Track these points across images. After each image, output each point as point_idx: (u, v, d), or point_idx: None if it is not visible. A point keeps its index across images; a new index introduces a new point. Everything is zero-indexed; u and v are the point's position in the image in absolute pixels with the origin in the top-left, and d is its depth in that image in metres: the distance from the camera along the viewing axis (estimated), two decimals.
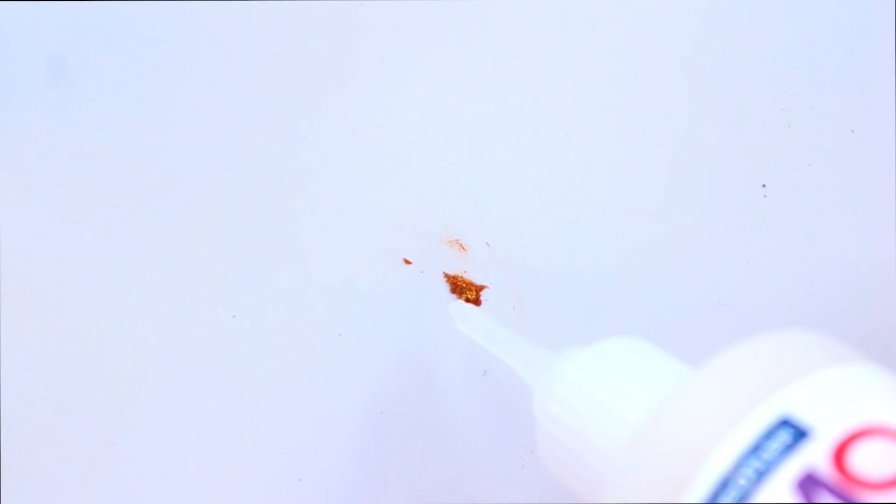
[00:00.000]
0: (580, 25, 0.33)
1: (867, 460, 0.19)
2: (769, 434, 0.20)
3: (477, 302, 0.34)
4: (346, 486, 0.34)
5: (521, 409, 0.35)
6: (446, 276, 0.34)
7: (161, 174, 0.32)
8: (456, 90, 0.33)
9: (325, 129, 0.32)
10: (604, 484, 0.23)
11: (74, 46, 0.31)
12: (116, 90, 0.31)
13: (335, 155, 0.32)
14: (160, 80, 0.31)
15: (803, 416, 0.20)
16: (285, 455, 0.34)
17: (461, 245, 0.34)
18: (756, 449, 0.20)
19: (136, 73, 0.31)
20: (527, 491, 0.35)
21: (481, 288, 0.34)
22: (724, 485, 0.20)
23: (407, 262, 0.33)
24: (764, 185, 0.34)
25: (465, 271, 0.34)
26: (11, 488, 0.32)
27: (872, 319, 0.35)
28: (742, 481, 0.20)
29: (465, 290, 0.34)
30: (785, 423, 0.20)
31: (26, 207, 0.31)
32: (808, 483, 0.19)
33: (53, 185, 0.31)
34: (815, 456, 0.20)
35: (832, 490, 0.19)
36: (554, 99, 0.33)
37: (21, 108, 0.31)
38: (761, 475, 0.20)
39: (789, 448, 0.20)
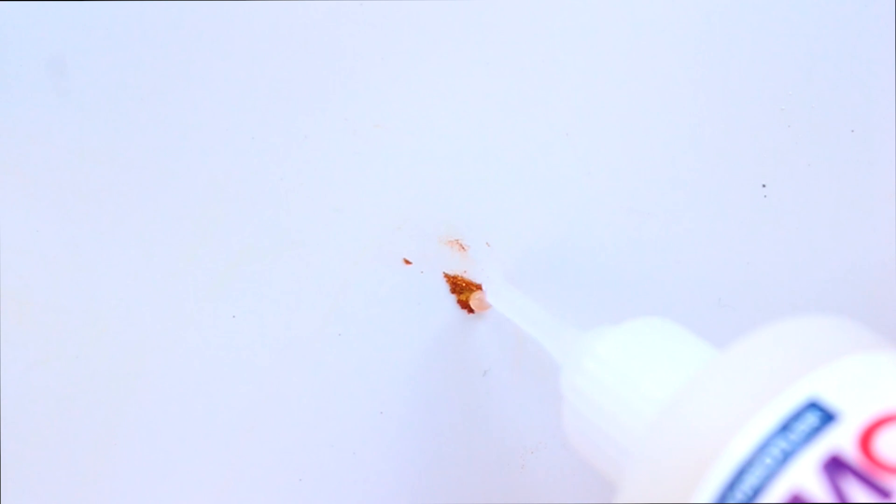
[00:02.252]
0: (580, 26, 0.33)
1: (893, 445, 0.20)
2: (797, 416, 0.20)
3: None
4: (346, 486, 0.34)
5: (522, 409, 0.35)
6: (446, 276, 0.34)
7: (161, 174, 0.32)
8: (456, 90, 0.33)
9: (325, 129, 0.32)
10: (628, 460, 0.23)
11: (74, 46, 0.31)
12: (116, 90, 0.31)
13: (335, 155, 0.32)
14: (160, 80, 0.31)
15: (831, 400, 0.20)
16: (285, 455, 0.34)
17: (461, 245, 0.34)
18: (783, 430, 0.20)
19: (136, 73, 0.31)
20: (527, 491, 0.35)
21: (481, 288, 0.34)
22: (750, 463, 0.20)
23: (407, 262, 0.33)
24: (764, 185, 0.34)
25: (465, 271, 0.34)
26: (11, 488, 0.32)
27: (872, 319, 0.35)
28: (768, 461, 0.20)
29: (465, 290, 0.34)
30: (813, 406, 0.20)
31: (26, 207, 0.31)
32: (834, 465, 0.20)
33: (53, 185, 0.31)
34: (841, 439, 0.20)
35: (857, 473, 0.19)
36: (554, 99, 0.33)
37: (21, 109, 0.31)
38: (788, 455, 0.20)
39: (816, 430, 0.20)
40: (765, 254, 0.35)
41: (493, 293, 0.32)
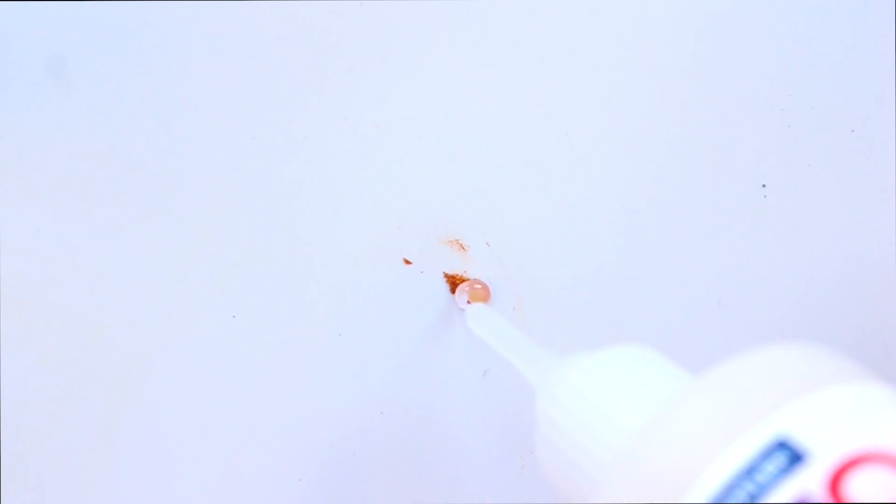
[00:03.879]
0: (580, 26, 0.33)
1: (864, 487, 0.19)
2: (765, 455, 0.20)
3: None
4: (346, 486, 0.34)
5: (522, 409, 0.35)
6: (446, 276, 0.34)
7: (161, 174, 0.32)
8: (456, 90, 0.33)
9: (325, 129, 0.32)
10: (596, 491, 0.22)
11: (74, 46, 0.31)
12: (116, 90, 0.31)
13: (335, 155, 0.32)
14: (160, 80, 0.31)
15: (800, 438, 0.20)
16: (285, 455, 0.34)
17: (461, 245, 0.34)
18: (750, 470, 0.20)
19: (136, 73, 0.31)
20: (527, 491, 0.35)
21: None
22: None
23: (407, 262, 0.33)
24: (764, 185, 0.34)
25: (465, 271, 0.34)
26: (11, 488, 0.32)
27: (872, 319, 0.35)
28: None
29: None
30: (782, 445, 0.20)
31: (26, 207, 0.31)
32: None
33: (53, 185, 0.31)
34: (810, 482, 0.19)
35: None
36: (554, 99, 0.33)
37: (21, 108, 0.31)
38: (754, 498, 0.19)
39: (784, 472, 0.19)
40: (765, 254, 0.35)
41: (472, 316, 0.32)
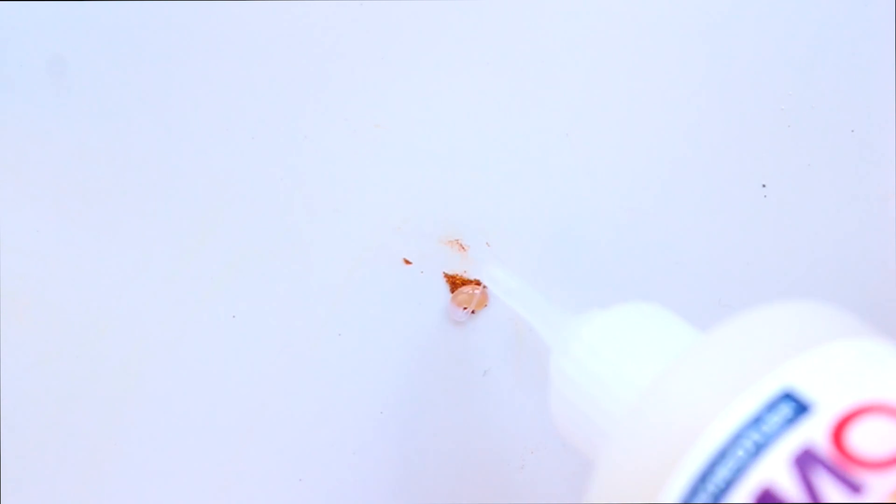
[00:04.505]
0: (580, 26, 0.33)
1: (866, 438, 0.19)
2: (770, 406, 0.20)
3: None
4: (346, 486, 0.34)
5: (522, 409, 0.35)
6: (446, 276, 0.34)
7: (161, 174, 0.32)
8: (456, 90, 0.33)
9: (325, 129, 0.32)
10: (608, 444, 0.23)
11: (74, 46, 0.31)
12: (116, 90, 0.31)
13: (335, 155, 0.32)
14: (160, 80, 0.31)
15: (805, 391, 0.20)
16: (285, 455, 0.34)
17: (461, 245, 0.34)
18: (756, 421, 0.20)
19: (135, 73, 0.31)
20: (527, 491, 0.35)
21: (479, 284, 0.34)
22: (722, 455, 0.20)
23: (407, 262, 0.33)
24: (764, 185, 0.34)
25: (465, 271, 0.34)
26: (11, 488, 0.32)
27: (872, 319, 0.35)
28: (740, 453, 0.20)
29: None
30: (787, 397, 0.20)
31: (26, 207, 0.31)
32: (806, 459, 0.19)
33: (53, 185, 0.31)
34: (814, 432, 0.20)
35: (829, 467, 0.19)
36: (554, 99, 0.33)
37: (21, 108, 0.31)
38: (760, 448, 0.20)
39: (790, 422, 0.20)
40: (765, 254, 0.35)
41: (490, 277, 0.32)
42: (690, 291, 0.34)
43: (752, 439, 0.20)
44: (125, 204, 0.32)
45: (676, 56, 0.33)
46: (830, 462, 0.19)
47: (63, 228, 0.31)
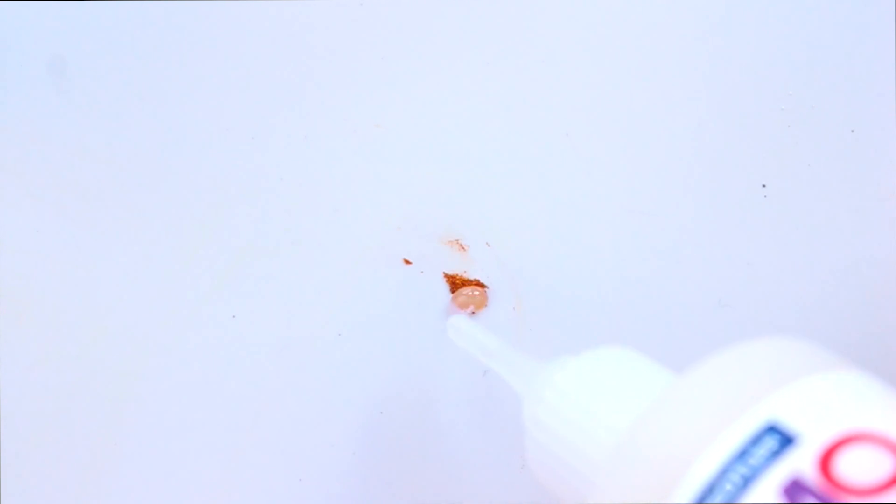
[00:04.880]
0: (580, 26, 0.33)
1: (853, 466, 0.20)
2: (756, 440, 0.20)
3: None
4: (346, 486, 0.34)
5: (522, 409, 0.35)
6: (446, 276, 0.34)
7: (161, 174, 0.32)
8: (456, 90, 0.33)
9: (325, 129, 0.32)
10: (590, 490, 0.23)
11: (74, 46, 0.31)
12: (116, 90, 0.31)
13: (335, 155, 0.32)
14: (160, 80, 0.31)
15: (790, 423, 0.20)
16: (285, 455, 0.34)
17: (461, 245, 0.34)
18: (743, 454, 0.20)
19: (136, 73, 0.31)
20: (527, 491, 0.35)
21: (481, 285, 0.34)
22: (711, 489, 0.20)
23: (407, 262, 0.33)
24: (764, 185, 0.34)
25: (465, 271, 0.34)
26: (11, 488, 0.32)
27: (872, 319, 0.35)
28: (728, 486, 0.20)
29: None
30: (772, 430, 0.20)
31: (26, 207, 0.31)
32: (795, 489, 0.19)
33: (53, 185, 0.31)
34: (801, 462, 0.20)
35: (818, 495, 0.19)
36: (554, 99, 0.33)
37: (21, 108, 0.31)
38: (748, 480, 0.20)
39: (776, 454, 0.20)
40: (765, 254, 0.35)
41: (454, 328, 0.32)
42: (690, 291, 0.34)
43: (740, 472, 0.20)
44: (125, 204, 0.32)
45: (676, 56, 0.33)
46: (819, 491, 0.19)
47: (63, 228, 0.31)
